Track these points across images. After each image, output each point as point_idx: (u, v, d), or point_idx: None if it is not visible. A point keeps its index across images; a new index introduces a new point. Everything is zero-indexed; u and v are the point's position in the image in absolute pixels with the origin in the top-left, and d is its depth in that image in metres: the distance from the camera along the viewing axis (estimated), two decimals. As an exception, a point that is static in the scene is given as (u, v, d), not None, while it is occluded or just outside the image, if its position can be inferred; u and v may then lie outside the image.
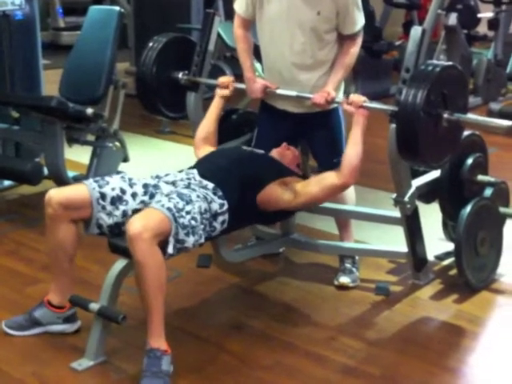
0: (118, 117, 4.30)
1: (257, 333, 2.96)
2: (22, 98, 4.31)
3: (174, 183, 2.88)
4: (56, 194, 2.76)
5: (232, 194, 2.85)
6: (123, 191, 2.77)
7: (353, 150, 2.95)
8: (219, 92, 3.40)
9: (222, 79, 3.43)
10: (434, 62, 3.04)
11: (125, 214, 2.75)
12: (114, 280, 2.67)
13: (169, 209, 2.57)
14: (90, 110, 3.98)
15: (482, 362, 2.84)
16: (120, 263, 2.69)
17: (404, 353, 2.85)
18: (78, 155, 4.53)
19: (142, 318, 2.98)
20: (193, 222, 2.63)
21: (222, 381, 2.61)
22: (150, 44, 3.59)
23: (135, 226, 2.51)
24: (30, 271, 3.44)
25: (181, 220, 2.58)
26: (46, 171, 4.07)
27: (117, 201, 2.75)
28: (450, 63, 3.05)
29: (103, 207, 2.73)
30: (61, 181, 3.95)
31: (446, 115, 2.90)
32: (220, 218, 2.80)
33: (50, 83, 4.84)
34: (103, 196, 2.73)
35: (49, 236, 2.81)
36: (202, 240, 2.70)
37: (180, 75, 3.57)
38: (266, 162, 3.15)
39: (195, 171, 2.95)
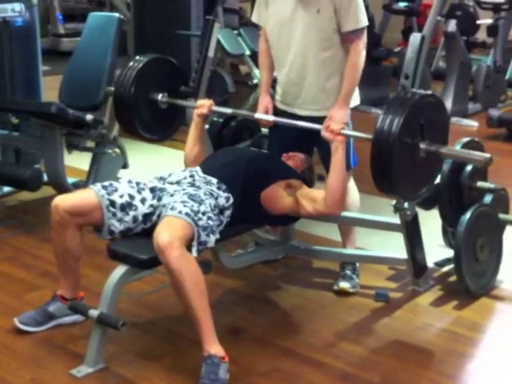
0: (117, 123, 4.29)
1: (256, 339, 2.96)
2: (21, 104, 4.31)
3: (178, 182, 2.91)
4: (62, 201, 2.77)
5: (235, 188, 2.89)
6: (132, 197, 2.79)
7: (334, 180, 2.90)
8: (196, 111, 3.31)
9: (201, 102, 3.34)
10: (413, 89, 2.91)
11: (135, 220, 2.77)
12: (114, 286, 2.67)
13: (187, 214, 2.61)
14: (89, 117, 3.99)
15: (482, 368, 2.83)
16: (119, 269, 2.69)
17: (403, 359, 2.85)
18: (77, 161, 4.52)
19: (140, 325, 2.99)
20: (210, 222, 2.69)
21: (221, 387, 2.60)
22: (130, 63, 3.44)
23: (163, 236, 2.52)
24: (29, 277, 3.43)
25: (200, 222, 2.63)
26: (45, 177, 4.06)
27: (126, 207, 2.76)
28: (429, 92, 2.89)
29: (114, 214, 2.74)
30: (60, 187, 3.93)
31: (423, 146, 2.73)
32: (227, 213, 2.86)
33: (50, 89, 4.83)
34: (112, 203, 2.75)
35: (55, 240, 2.83)
36: (218, 235, 2.74)
37: (160, 97, 3.46)
38: (273, 162, 3.18)
39: (198, 168, 3.00)
